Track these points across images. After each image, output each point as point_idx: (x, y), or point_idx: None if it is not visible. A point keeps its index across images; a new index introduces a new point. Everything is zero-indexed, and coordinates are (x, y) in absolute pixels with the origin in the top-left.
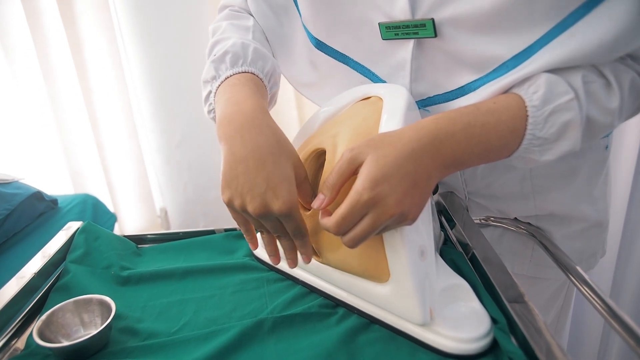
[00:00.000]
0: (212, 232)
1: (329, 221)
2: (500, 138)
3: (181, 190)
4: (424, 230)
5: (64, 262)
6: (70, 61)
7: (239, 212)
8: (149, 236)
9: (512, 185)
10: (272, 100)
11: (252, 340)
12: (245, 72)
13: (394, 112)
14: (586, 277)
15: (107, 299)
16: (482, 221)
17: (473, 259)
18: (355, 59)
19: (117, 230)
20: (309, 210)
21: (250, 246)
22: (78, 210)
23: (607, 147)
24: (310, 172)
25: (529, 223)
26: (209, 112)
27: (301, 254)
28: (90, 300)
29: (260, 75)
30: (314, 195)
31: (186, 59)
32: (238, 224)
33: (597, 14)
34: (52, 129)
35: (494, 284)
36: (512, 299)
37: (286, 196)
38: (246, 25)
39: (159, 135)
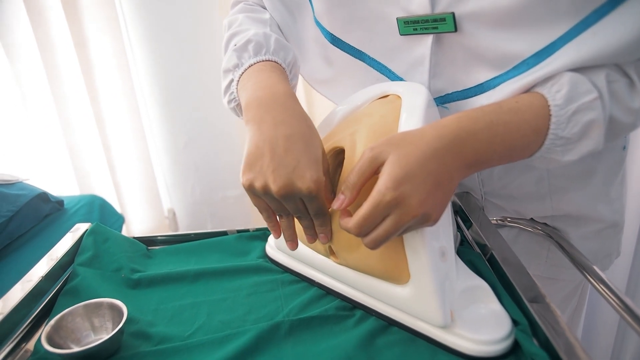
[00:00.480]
0: (224, 233)
1: (349, 222)
2: (522, 137)
3: (189, 191)
4: (444, 231)
5: (72, 265)
6: (75, 60)
7: (259, 195)
8: (159, 238)
9: (529, 186)
10: None
11: (268, 344)
12: (268, 60)
13: (413, 110)
14: (603, 276)
15: (118, 302)
16: (499, 221)
17: (491, 260)
18: (371, 55)
19: (125, 231)
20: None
21: (273, 234)
22: (85, 211)
23: (624, 148)
24: (330, 170)
25: (545, 223)
26: (230, 101)
27: (319, 233)
28: (100, 304)
29: (283, 65)
30: (332, 193)
31: (194, 59)
32: (259, 210)
33: (620, 12)
34: (56, 128)
35: (514, 285)
36: (532, 300)
37: (316, 177)
38: (263, 19)
39: (166, 136)
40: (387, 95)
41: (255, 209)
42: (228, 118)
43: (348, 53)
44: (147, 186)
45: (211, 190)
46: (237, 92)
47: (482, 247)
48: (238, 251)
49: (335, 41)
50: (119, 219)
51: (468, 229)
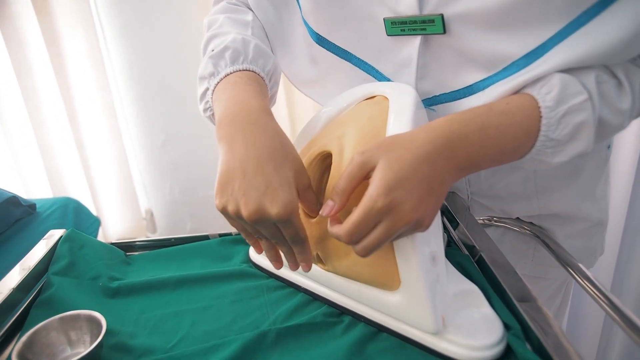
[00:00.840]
0: (206, 237)
1: (340, 229)
2: (514, 140)
3: (167, 191)
4: (434, 235)
5: (46, 275)
6: (45, 55)
7: (234, 219)
8: (137, 243)
9: (516, 186)
10: (271, 100)
11: (255, 354)
12: (246, 69)
13: (401, 112)
14: (589, 274)
15: (97, 314)
16: (485, 221)
17: (480, 262)
18: (358, 55)
19: (101, 234)
20: (314, 218)
21: (256, 250)
22: (58, 215)
23: (609, 147)
24: (315, 176)
25: (531, 223)
26: (205, 110)
27: (300, 261)
28: (77, 316)
29: (262, 74)
30: (319, 202)
31: (171, 54)
32: (238, 231)
33: (611, 12)
34: (27, 128)
35: (506, 288)
36: (524, 304)
37: (285, 200)
38: (245, 20)
39: (143, 134)
40: (374, 96)
41: None
42: None
43: (334, 53)
44: (124, 187)
45: (191, 190)
46: (212, 101)
47: (470, 248)
48: (221, 256)
49: (321, 41)
50: (95, 222)
51: (454, 229)
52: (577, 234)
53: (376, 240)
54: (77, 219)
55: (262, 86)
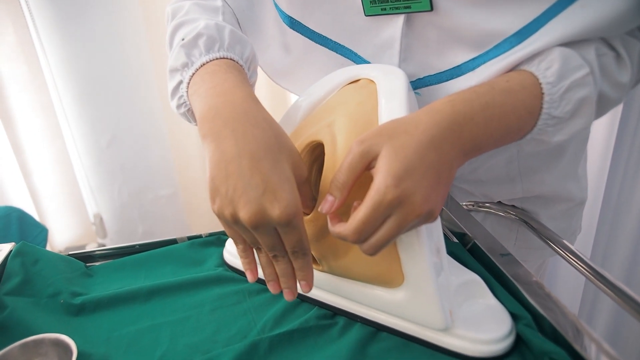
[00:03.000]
0: (173, 241)
1: (345, 228)
2: (518, 119)
3: (115, 194)
4: (435, 225)
5: None
6: None
7: (231, 225)
8: (97, 252)
9: (499, 169)
10: None
11: None
12: (223, 57)
13: (392, 95)
14: (577, 251)
15: (63, 337)
16: (469, 207)
17: (474, 250)
18: (334, 38)
19: (48, 245)
20: (307, 214)
21: (248, 276)
22: (1, 226)
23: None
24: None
25: (513, 206)
26: (179, 106)
27: (300, 279)
28: (41, 341)
29: (240, 62)
30: (313, 198)
31: (114, 48)
32: (234, 243)
33: None
34: None
35: (509, 276)
36: (531, 291)
37: (287, 200)
38: (214, 6)
39: (86, 134)
40: (358, 80)
41: (191, 206)
42: (156, 112)
43: (309, 38)
44: (69, 191)
45: (140, 191)
46: (187, 96)
47: (460, 236)
48: (192, 260)
49: (295, 25)
50: (43, 231)
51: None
52: (560, 215)
53: (387, 236)
54: (22, 229)
55: (242, 74)
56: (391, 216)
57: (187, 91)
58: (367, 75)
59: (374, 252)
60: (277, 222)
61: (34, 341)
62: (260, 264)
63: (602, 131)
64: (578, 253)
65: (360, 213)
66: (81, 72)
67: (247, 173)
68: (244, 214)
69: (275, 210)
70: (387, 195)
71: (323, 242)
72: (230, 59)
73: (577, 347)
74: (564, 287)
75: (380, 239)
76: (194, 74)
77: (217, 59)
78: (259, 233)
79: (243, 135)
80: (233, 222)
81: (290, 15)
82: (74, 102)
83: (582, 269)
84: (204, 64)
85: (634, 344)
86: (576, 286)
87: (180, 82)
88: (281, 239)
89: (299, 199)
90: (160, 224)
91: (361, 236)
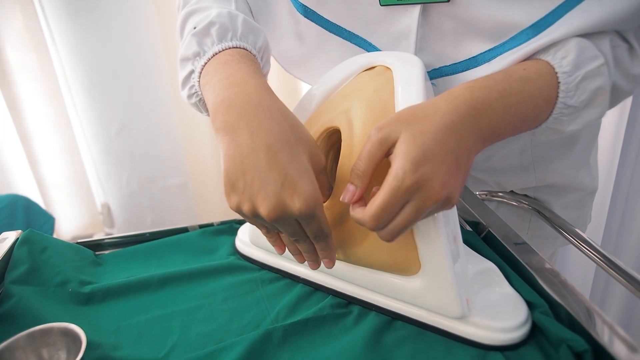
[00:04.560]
0: (185, 229)
1: (364, 215)
2: (535, 107)
3: (124, 183)
4: (451, 212)
5: (3, 284)
6: None
7: (251, 218)
8: (107, 241)
9: (512, 158)
10: None
11: (262, 356)
12: (236, 47)
13: (409, 82)
14: (590, 239)
15: (72, 326)
16: (482, 196)
17: (489, 238)
18: (349, 28)
19: (55, 234)
20: (324, 202)
21: (277, 251)
22: (6, 214)
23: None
24: None
25: (525, 195)
26: (190, 96)
27: (322, 257)
28: (49, 331)
29: (253, 52)
30: (330, 186)
31: (123, 36)
32: (258, 227)
33: None
34: None
35: (524, 264)
36: (546, 279)
37: (307, 192)
38: None
39: (95, 123)
40: (374, 67)
41: (201, 195)
42: (166, 100)
43: (323, 27)
44: (76, 180)
45: (149, 181)
46: (199, 86)
47: (474, 224)
48: (204, 249)
49: (309, 14)
50: (49, 220)
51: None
52: (572, 204)
53: (405, 222)
54: (28, 217)
55: (256, 64)
56: (409, 202)
57: (198, 81)
58: (383, 62)
59: (391, 238)
60: (298, 215)
61: (42, 330)
62: (285, 244)
63: (612, 120)
64: (591, 242)
65: (378, 199)
66: (90, 59)
67: (265, 167)
68: (264, 209)
69: (296, 204)
70: (406, 181)
71: (340, 230)
72: (243, 49)
73: (594, 333)
74: (574, 277)
75: (398, 225)
76: (206, 63)
77: (229, 48)
78: (279, 224)
79: (258, 128)
80: (252, 216)
81: (305, 3)
82: (83, 90)
83: (596, 258)
84: (216, 54)
85: None
86: (585, 276)
87: (192, 71)
88: (302, 227)
89: (318, 190)
90: (170, 213)
91: (380, 222)
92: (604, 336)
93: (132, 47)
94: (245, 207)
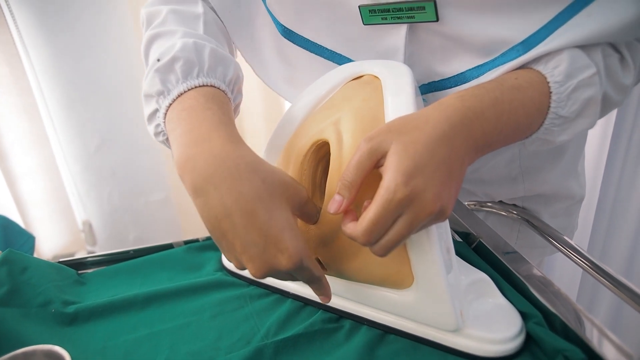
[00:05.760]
0: (169, 246)
1: (355, 229)
2: (527, 116)
3: (105, 199)
4: (444, 224)
5: None
6: None
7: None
8: (90, 259)
9: (500, 168)
10: (235, 111)
11: None
12: (202, 85)
13: (398, 92)
14: (579, 247)
15: (56, 348)
16: (471, 206)
17: (480, 249)
18: (331, 47)
19: (35, 253)
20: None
21: None
22: None
23: None
24: (310, 169)
25: (514, 205)
26: (157, 134)
27: (317, 295)
28: (32, 354)
29: (222, 87)
30: (318, 211)
31: (101, 48)
32: None
33: None
34: None
35: (517, 274)
36: (539, 288)
37: (291, 248)
38: (194, 13)
39: (74, 138)
40: (362, 76)
41: (184, 210)
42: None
43: (304, 48)
44: (56, 197)
45: (131, 196)
46: (164, 125)
47: (464, 235)
48: (189, 265)
49: (289, 34)
50: (29, 240)
51: None
52: (561, 212)
53: (398, 236)
54: (7, 237)
55: (224, 105)
56: (402, 215)
57: (164, 121)
58: (371, 71)
59: (384, 253)
60: (286, 271)
61: (24, 354)
62: None
63: (598, 127)
64: (581, 250)
65: (370, 213)
66: (67, 73)
67: (242, 231)
68: (251, 269)
69: (282, 262)
70: (397, 194)
71: (330, 247)
72: (211, 86)
73: (591, 344)
74: (560, 284)
75: (391, 239)
76: (170, 104)
77: (195, 87)
78: (271, 276)
79: (228, 192)
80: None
81: (284, 24)
82: (60, 105)
83: (585, 266)
84: (181, 93)
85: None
86: (572, 284)
87: (156, 110)
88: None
89: (302, 242)
90: (153, 229)
91: (372, 237)
92: (601, 347)
93: (109, 59)
94: (236, 263)
